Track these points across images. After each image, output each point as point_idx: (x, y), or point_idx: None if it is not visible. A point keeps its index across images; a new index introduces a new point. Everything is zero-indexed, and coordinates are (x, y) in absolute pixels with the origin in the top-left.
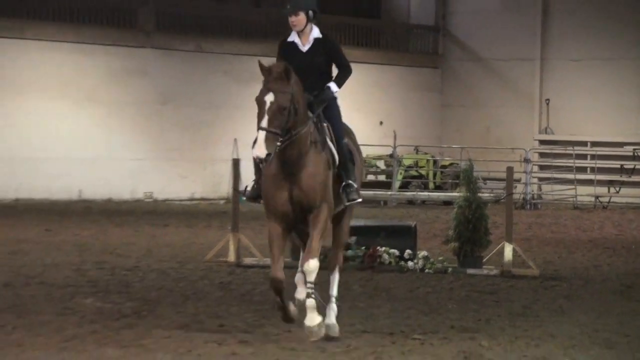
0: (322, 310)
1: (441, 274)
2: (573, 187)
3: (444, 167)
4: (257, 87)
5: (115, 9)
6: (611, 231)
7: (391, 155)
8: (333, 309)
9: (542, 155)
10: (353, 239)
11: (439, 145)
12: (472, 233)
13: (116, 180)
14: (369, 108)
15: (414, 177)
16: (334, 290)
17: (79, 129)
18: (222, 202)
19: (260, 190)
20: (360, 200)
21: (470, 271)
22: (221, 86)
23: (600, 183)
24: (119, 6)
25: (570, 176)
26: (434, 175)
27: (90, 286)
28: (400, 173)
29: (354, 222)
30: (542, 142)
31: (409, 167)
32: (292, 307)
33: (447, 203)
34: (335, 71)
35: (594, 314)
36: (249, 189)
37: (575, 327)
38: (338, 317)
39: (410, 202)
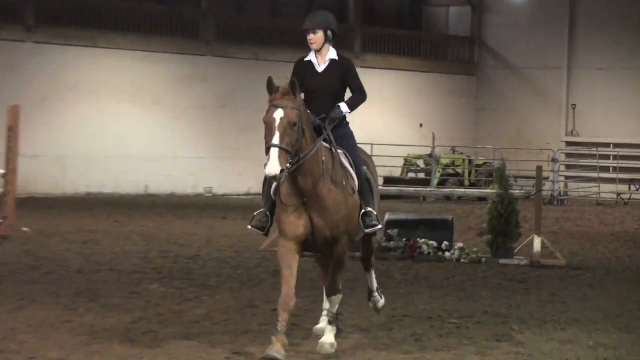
0: (339, 335)
1: (476, 264)
2: (597, 185)
3: (478, 166)
4: None
5: (180, 20)
6: (632, 225)
7: (430, 155)
8: (376, 298)
9: (569, 155)
10: (395, 231)
11: (474, 146)
12: (504, 226)
13: (179, 176)
14: (410, 112)
15: (450, 175)
16: (374, 285)
17: (145, 130)
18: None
19: (268, 222)
20: (380, 227)
21: (503, 261)
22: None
23: (622, 181)
24: (183, 18)
25: (594, 175)
26: (469, 173)
27: (155, 273)
28: (439, 171)
29: (397, 216)
30: (568, 143)
31: (447, 166)
32: (279, 345)
33: (481, 199)
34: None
35: (616, 301)
36: (255, 218)
37: (599, 313)
38: (385, 302)
39: (448, 198)
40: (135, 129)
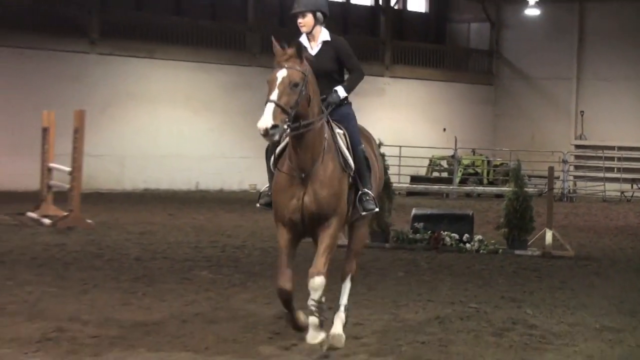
0: (324, 325)
1: (493, 254)
2: (602, 183)
3: (496, 166)
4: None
5: (229, 34)
6: (634, 220)
7: (452, 156)
8: (341, 317)
9: (577, 157)
10: (421, 224)
11: (492, 148)
12: (519, 221)
13: (227, 174)
14: (435, 117)
15: (471, 174)
16: (344, 299)
17: (197, 133)
18: None
19: None
20: (377, 209)
21: (517, 252)
22: None
23: (625, 181)
24: (232, 32)
25: (600, 175)
26: (488, 173)
27: (205, 261)
28: (460, 171)
29: (422, 211)
30: (577, 146)
31: (467, 166)
32: (301, 316)
33: (499, 196)
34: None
35: (620, 288)
36: (262, 195)
37: (604, 299)
38: (345, 328)
39: (468, 195)
40: (188, 132)
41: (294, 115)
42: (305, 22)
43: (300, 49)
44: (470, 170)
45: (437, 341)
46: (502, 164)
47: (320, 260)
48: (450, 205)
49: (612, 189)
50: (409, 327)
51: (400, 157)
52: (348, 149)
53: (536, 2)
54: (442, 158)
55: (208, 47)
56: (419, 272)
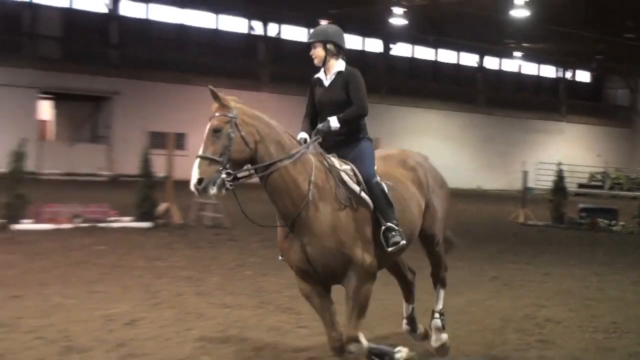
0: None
1: (630, 234)
2: None
3: (632, 179)
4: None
5: (462, 89)
6: None
7: (604, 172)
8: (436, 324)
9: None
10: (584, 214)
11: (630, 167)
12: None
13: (460, 179)
14: (593, 148)
15: (616, 184)
16: (438, 305)
17: (442, 155)
18: (513, 192)
19: None
20: (403, 242)
21: None
22: (518, 134)
23: None
24: (463, 88)
25: None
26: (627, 183)
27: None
28: (609, 181)
29: (586, 205)
30: None
31: (614, 178)
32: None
33: (634, 198)
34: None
35: None
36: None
37: None
38: (445, 330)
39: (614, 197)
40: (439, 152)
41: (238, 161)
42: (316, 53)
43: (215, 94)
44: (616, 181)
45: (594, 286)
46: (636, 177)
47: (351, 326)
48: (603, 202)
49: None
50: (576, 277)
51: (572, 172)
52: (359, 183)
53: None
54: (598, 173)
55: (447, 101)
56: (582, 244)
